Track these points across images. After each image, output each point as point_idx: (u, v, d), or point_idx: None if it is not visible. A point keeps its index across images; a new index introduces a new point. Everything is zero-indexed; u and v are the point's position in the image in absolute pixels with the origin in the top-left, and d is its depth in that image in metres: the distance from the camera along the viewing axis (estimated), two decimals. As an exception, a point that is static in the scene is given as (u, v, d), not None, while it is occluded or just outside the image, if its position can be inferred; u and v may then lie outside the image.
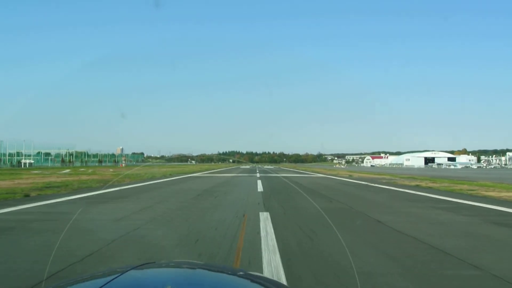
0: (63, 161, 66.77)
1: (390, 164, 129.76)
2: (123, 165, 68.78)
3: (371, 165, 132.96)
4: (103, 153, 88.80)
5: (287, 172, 35.77)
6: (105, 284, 0.88)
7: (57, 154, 71.85)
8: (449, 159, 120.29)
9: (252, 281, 1.05)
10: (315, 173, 32.89)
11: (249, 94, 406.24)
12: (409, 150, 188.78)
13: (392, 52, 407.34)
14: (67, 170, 36.96)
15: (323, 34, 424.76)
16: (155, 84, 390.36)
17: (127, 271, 1.01)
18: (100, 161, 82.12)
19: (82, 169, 41.70)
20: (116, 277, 0.94)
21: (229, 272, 1.17)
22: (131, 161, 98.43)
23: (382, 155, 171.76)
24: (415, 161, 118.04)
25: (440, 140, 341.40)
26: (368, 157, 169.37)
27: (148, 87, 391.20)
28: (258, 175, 25.30)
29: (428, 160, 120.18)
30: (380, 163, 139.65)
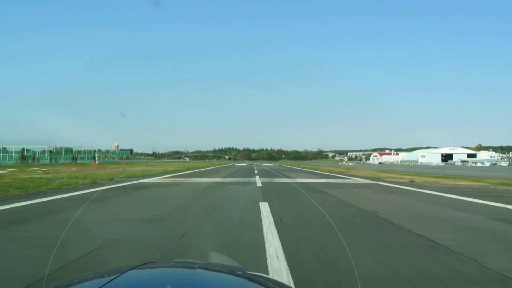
0: (23, 158, 56.14)
1: (401, 161, 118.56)
2: (96, 162, 58.23)
3: (379, 163, 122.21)
4: (86, 149, 78.91)
5: (299, 173, 25.18)
6: (105, 284, 0.87)
7: (41, 150, 65.70)
8: (469, 155, 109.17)
9: (253, 280, 1.02)
10: (339, 174, 22.42)
11: (246, 91, 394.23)
12: (410, 147, 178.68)
13: (391, 50, 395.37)
14: (6, 171, 27.39)
15: (322, 32, 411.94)
16: (153, 81, 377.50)
17: (127, 271, 0.99)
18: (74, 158, 71.59)
19: (33, 169, 31.96)
20: (116, 277, 0.93)
21: (229, 272, 1.13)
22: (114, 157, 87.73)
23: (387, 151, 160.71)
24: (431, 157, 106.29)
25: (441, 137, 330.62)
26: (375, 153, 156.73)
27: (146, 85, 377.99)
28: (258, 181, 14.83)
29: (446, 157, 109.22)
30: (389, 160, 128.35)
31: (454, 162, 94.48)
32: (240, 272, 1.09)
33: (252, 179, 15.71)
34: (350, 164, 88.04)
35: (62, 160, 67.02)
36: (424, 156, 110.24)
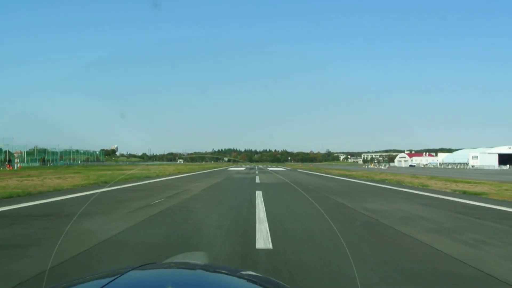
0: None
1: (441, 164, 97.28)
2: (16, 167, 38.41)
3: (410, 165, 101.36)
4: (52, 149, 59.55)
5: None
6: (106, 284, 0.87)
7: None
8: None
9: (252, 281, 1.03)
10: None
11: (247, 91, 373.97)
12: (423, 148, 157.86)
13: (395, 49, 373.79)
14: None
15: (323, 31, 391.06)
16: (151, 82, 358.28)
17: (127, 271, 0.99)
18: (7, 160, 51.60)
19: None
20: (116, 278, 0.92)
21: (229, 273, 1.14)
22: (75, 159, 67.53)
23: (406, 152, 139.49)
24: (486, 159, 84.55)
25: (459, 138, 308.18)
26: (402, 154, 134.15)
27: (144, 85, 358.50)
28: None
29: (504, 158, 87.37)
30: (422, 163, 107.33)
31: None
32: (239, 273, 1.09)
33: None
34: (382, 167, 67.38)
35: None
36: (476, 157, 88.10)
